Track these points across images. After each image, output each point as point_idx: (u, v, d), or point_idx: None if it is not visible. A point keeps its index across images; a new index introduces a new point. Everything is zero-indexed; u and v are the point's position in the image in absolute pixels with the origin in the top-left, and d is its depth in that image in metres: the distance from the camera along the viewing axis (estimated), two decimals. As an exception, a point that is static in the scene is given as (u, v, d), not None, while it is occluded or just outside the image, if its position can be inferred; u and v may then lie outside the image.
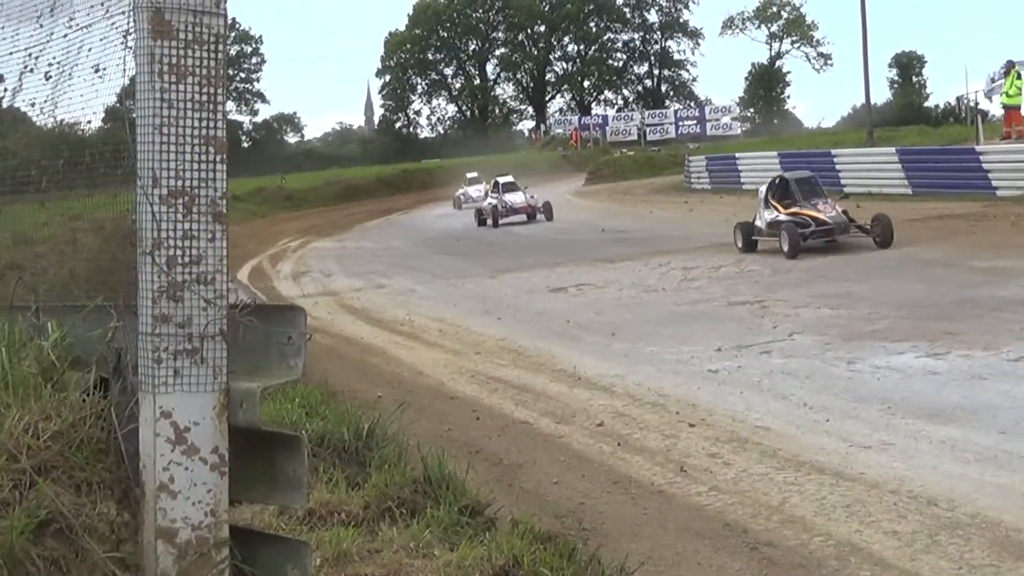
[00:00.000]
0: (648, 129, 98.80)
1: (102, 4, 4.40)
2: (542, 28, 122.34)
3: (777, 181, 26.22)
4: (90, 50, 4.53)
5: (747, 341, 14.80)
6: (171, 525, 4.06)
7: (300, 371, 4.30)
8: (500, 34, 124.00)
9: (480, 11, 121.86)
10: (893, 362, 12.75)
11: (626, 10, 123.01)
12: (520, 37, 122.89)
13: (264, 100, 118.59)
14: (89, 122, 4.77)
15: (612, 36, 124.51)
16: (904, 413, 10.60)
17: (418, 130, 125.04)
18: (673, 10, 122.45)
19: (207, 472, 4.10)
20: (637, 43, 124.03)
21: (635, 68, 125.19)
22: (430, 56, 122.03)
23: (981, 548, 7.25)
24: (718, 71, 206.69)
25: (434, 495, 7.58)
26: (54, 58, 4.83)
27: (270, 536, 4.92)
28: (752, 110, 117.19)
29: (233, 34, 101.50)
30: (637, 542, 7.93)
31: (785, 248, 23.67)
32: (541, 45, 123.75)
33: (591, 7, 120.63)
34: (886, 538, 7.58)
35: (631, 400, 12.25)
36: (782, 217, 24.69)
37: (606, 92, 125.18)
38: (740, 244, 25.80)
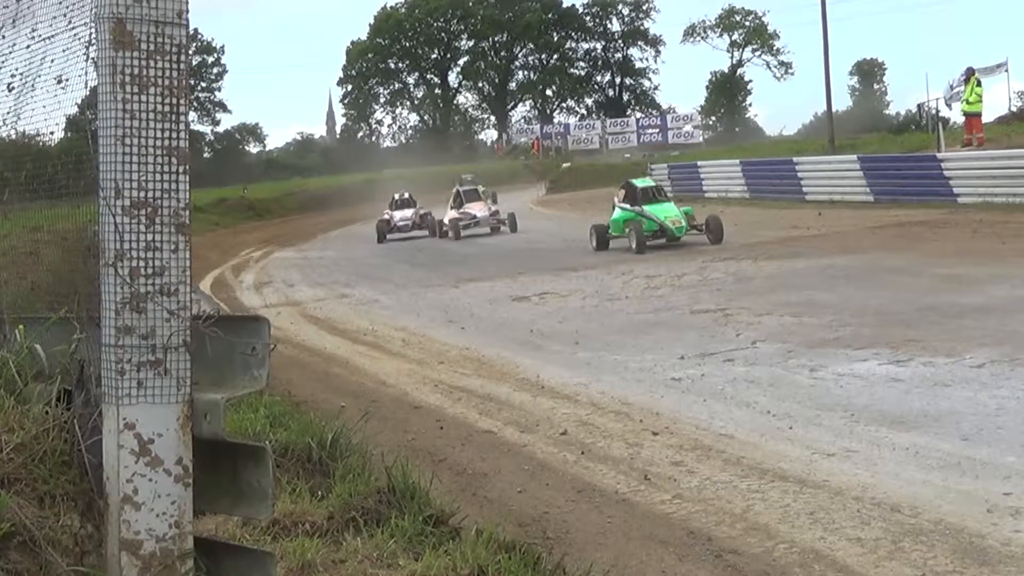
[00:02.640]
0: (610, 138, 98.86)
1: (64, 15, 4.38)
2: (504, 37, 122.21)
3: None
4: (52, 61, 4.51)
5: (710, 349, 14.83)
6: (135, 537, 4.04)
7: (264, 382, 4.30)
8: (462, 43, 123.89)
9: (442, 20, 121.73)
10: (856, 369, 12.79)
11: (588, 19, 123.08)
12: (482, 46, 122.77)
13: (226, 110, 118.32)
14: (52, 133, 4.76)
15: (574, 45, 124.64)
16: (867, 420, 10.64)
17: (380, 140, 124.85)
18: (635, 18, 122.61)
19: (171, 484, 4.08)
20: (599, 51, 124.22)
21: (597, 77, 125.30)
22: (392, 65, 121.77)
23: (944, 555, 7.28)
24: (680, 79, 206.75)
25: (398, 505, 7.57)
26: (16, 69, 4.81)
27: (234, 547, 4.90)
28: (714, 118, 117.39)
29: (195, 44, 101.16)
30: (601, 551, 7.94)
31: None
32: (503, 54, 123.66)
33: (553, 16, 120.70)
34: (850, 545, 7.61)
35: (595, 409, 12.25)
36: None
37: (568, 101, 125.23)
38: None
